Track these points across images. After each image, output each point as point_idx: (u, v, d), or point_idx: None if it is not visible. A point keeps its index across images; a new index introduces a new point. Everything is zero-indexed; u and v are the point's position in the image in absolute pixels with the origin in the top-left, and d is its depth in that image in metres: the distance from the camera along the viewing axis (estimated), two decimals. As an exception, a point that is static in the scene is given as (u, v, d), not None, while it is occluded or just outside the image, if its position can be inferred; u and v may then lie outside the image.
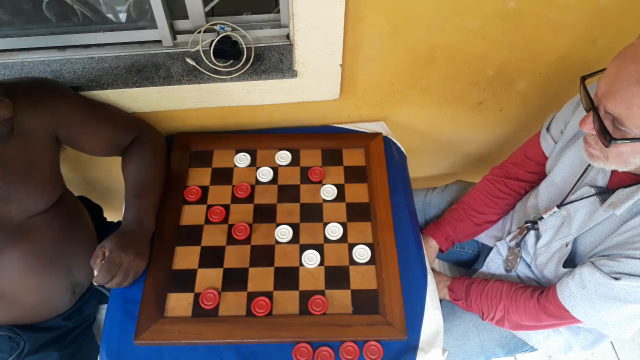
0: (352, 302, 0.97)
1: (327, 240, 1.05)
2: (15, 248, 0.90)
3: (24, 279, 0.93)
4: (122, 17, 1.17)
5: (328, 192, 1.12)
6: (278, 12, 1.12)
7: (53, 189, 0.96)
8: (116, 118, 1.08)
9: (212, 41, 1.07)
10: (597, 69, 0.77)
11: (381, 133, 1.23)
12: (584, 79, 0.76)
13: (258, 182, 1.14)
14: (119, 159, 1.09)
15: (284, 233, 1.06)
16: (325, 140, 1.22)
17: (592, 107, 0.73)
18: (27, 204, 0.91)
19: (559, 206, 0.95)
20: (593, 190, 0.89)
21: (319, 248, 1.04)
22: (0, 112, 0.78)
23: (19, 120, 0.87)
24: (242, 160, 1.18)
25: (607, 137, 0.71)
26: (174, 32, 1.11)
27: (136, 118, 1.14)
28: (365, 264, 1.02)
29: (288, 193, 1.13)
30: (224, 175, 1.16)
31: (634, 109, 0.67)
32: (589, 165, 0.91)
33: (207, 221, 1.08)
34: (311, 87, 1.13)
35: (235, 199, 1.11)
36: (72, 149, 1.03)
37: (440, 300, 1.06)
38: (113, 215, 1.34)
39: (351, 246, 1.04)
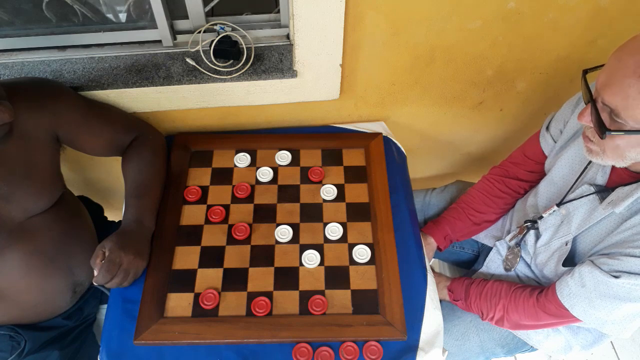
0: (352, 302, 0.97)
1: (327, 240, 1.05)
2: (15, 248, 0.90)
3: (24, 278, 0.93)
4: (122, 17, 1.17)
5: (328, 192, 1.12)
6: (278, 12, 1.12)
7: (53, 189, 0.96)
8: (116, 118, 1.08)
9: (212, 41, 1.07)
10: (596, 69, 0.77)
11: (381, 133, 1.23)
12: (585, 72, 0.77)
13: (258, 182, 1.14)
14: (119, 159, 1.09)
15: (284, 233, 1.06)
16: (325, 140, 1.22)
17: (590, 99, 0.73)
18: (27, 204, 0.91)
19: (558, 205, 0.95)
20: (592, 189, 0.89)
21: (319, 248, 1.04)
22: (1, 115, 0.78)
23: (19, 121, 0.87)
24: (242, 160, 1.18)
25: (602, 128, 0.71)
26: (174, 32, 1.11)
27: (136, 118, 1.14)
28: (365, 264, 1.02)
29: (288, 193, 1.13)
30: (224, 175, 1.16)
31: (629, 101, 0.67)
32: (588, 163, 0.91)
33: (207, 221, 1.08)
34: (311, 87, 1.13)
35: (235, 199, 1.11)
36: (73, 149, 1.03)
37: (440, 301, 1.06)
38: (113, 214, 1.34)
39: (351, 246, 1.04)
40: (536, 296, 0.95)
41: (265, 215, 1.09)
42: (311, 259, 1.02)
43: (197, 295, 0.98)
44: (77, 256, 1.01)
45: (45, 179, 0.94)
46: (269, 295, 0.98)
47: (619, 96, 0.68)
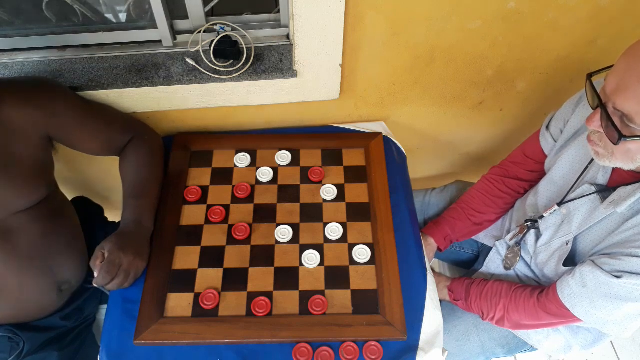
0: (352, 302, 0.97)
1: (327, 240, 1.05)
2: None
3: (3, 277, 0.92)
4: (122, 17, 1.16)
5: (328, 192, 1.12)
6: (278, 12, 1.12)
7: (36, 188, 0.94)
8: (113, 118, 1.08)
9: (212, 41, 1.07)
10: (597, 69, 0.77)
11: (381, 133, 1.23)
12: (590, 76, 0.76)
13: (258, 182, 1.14)
14: (118, 158, 1.09)
15: (284, 233, 1.06)
16: (325, 140, 1.22)
17: (600, 104, 0.72)
18: (5, 199, 0.89)
19: (559, 204, 0.95)
20: (593, 189, 0.89)
21: (319, 248, 1.04)
22: None
23: (6, 114, 0.86)
24: (242, 160, 1.18)
25: (616, 134, 0.69)
26: (174, 32, 1.11)
27: (133, 118, 1.14)
28: (365, 264, 1.02)
29: (288, 193, 1.13)
30: (224, 175, 1.16)
31: None
32: (589, 163, 0.91)
33: (207, 221, 1.08)
34: (311, 87, 1.13)
35: (235, 199, 1.11)
36: (69, 148, 1.03)
37: (440, 301, 1.06)
38: (114, 214, 1.33)
39: (351, 246, 1.04)
40: (537, 296, 0.95)
41: (265, 215, 1.09)
42: (311, 259, 1.02)
43: (197, 295, 0.98)
44: (59, 257, 0.99)
45: (27, 176, 0.91)
46: (269, 295, 0.98)
47: (633, 101, 0.67)
